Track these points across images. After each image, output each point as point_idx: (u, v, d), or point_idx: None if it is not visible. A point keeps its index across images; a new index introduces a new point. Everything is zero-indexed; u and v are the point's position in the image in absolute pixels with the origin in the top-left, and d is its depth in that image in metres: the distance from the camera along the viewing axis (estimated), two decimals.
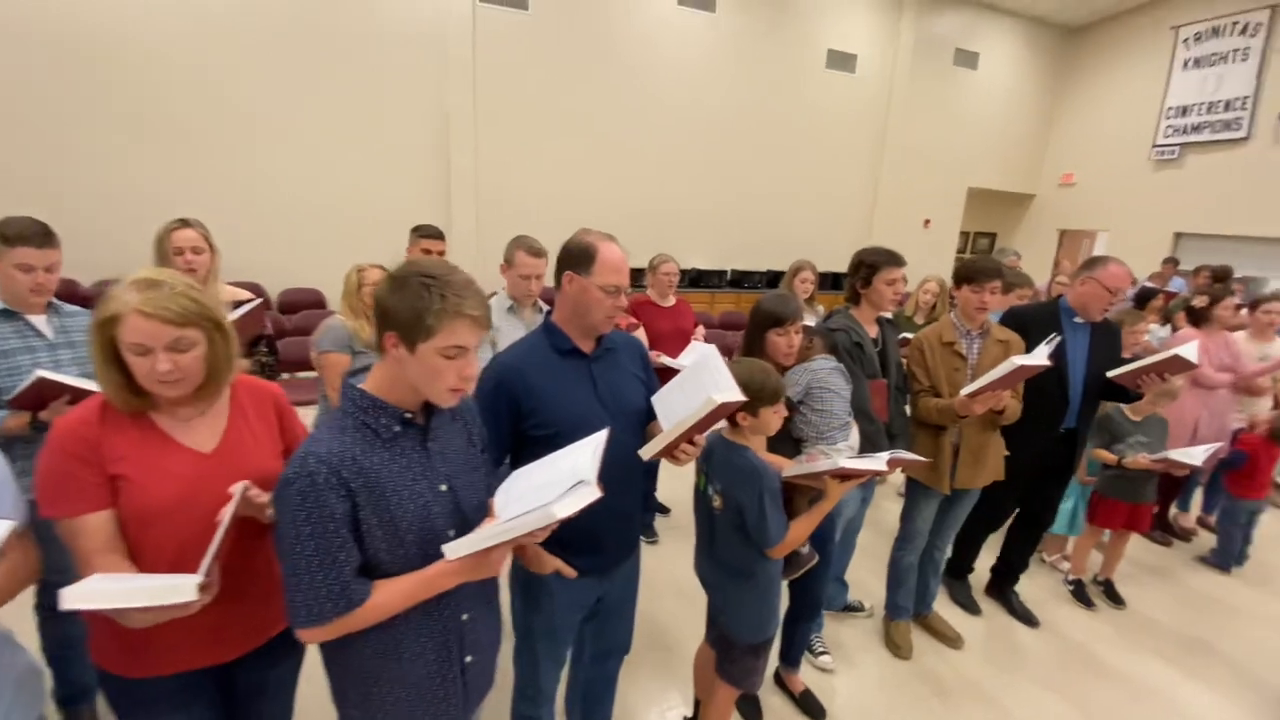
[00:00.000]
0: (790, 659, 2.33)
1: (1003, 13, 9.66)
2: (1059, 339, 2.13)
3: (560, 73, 7.13)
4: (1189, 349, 2.22)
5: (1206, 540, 3.80)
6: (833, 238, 9.20)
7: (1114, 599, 3.14)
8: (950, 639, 2.71)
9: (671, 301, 3.41)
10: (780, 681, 2.38)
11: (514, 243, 2.36)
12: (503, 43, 6.79)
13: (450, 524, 1.10)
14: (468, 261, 6.72)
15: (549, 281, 1.79)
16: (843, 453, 1.86)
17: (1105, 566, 3.22)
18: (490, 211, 7.04)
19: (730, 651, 1.79)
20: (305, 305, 6.22)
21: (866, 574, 3.11)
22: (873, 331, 2.32)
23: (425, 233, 2.81)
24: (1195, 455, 2.79)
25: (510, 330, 2.27)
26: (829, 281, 8.03)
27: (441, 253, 2.79)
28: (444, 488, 1.11)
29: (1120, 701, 2.47)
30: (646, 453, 1.33)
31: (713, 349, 1.44)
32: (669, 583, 2.97)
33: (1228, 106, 8.17)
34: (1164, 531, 3.84)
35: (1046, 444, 2.62)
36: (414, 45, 6.42)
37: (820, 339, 2.02)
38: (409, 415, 1.08)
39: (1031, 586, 3.12)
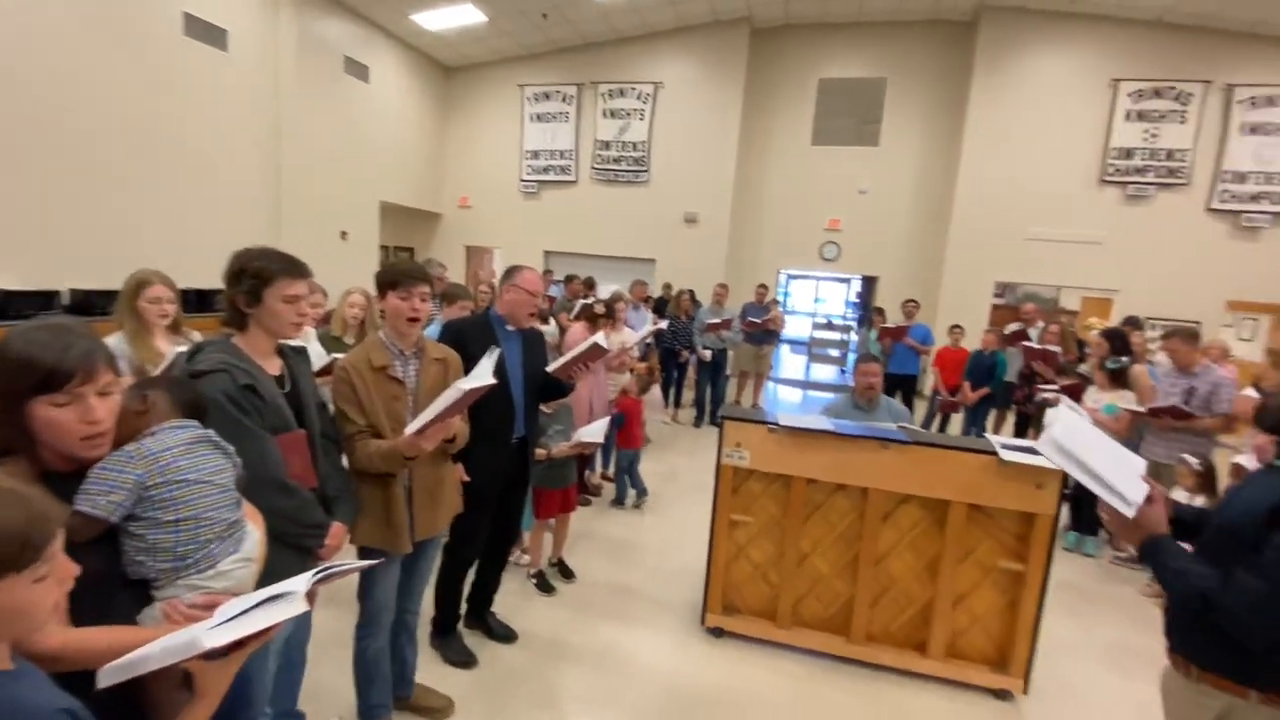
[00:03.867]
0: None
1: (389, 35, 9.92)
2: (499, 352, 1.96)
3: None
4: (600, 337, 2.62)
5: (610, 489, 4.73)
6: (228, 248, 7.49)
7: (566, 574, 3.45)
8: (440, 710, 2.30)
9: None
10: None
11: None
12: None
13: None
14: None
15: None
16: (228, 575, 1.13)
17: (555, 547, 3.51)
18: None
19: None
20: None
21: (332, 674, 2.35)
22: (273, 367, 1.61)
23: None
24: (596, 432, 3.29)
25: None
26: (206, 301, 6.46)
27: None
28: None
29: (587, 679, 2.62)
30: None
31: None
32: None
33: (559, 155, 10.83)
34: (585, 494, 4.58)
35: (503, 457, 2.51)
36: None
37: (164, 395, 1.19)
38: None
39: (506, 594, 3.07)
